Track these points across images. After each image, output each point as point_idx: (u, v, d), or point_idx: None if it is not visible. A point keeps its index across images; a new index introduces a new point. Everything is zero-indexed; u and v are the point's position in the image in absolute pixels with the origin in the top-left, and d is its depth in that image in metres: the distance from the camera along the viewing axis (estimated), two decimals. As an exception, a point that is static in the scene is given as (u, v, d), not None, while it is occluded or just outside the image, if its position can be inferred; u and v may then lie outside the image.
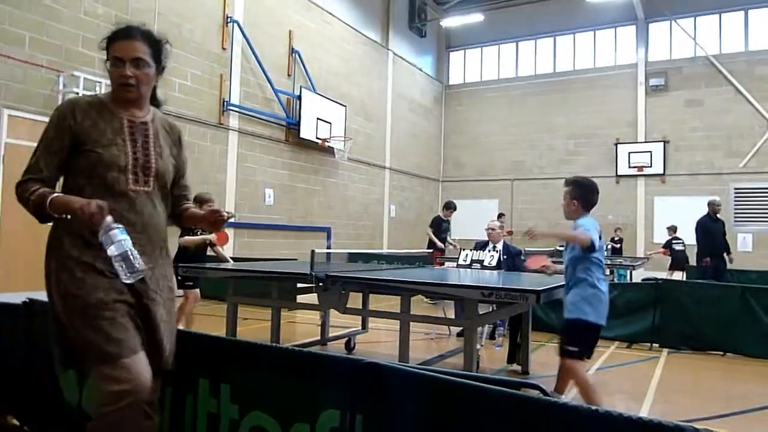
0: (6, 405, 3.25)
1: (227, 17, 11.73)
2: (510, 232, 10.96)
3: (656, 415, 4.25)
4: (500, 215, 15.75)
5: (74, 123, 2.11)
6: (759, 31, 16.66)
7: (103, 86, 9.07)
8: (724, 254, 10.39)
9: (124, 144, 2.15)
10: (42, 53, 8.55)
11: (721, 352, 6.60)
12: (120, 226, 1.96)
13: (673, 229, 13.57)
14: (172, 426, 2.44)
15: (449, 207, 11.56)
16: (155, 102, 2.42)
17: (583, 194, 3.96)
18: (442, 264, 10.57)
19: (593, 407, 1.37)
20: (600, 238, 3.80)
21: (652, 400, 4.73)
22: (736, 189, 16.36)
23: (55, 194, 2.05)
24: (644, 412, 4.38)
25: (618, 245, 15.53)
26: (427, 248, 11.23)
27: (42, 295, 2.31)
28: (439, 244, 11.26)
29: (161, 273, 2.25)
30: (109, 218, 1.93)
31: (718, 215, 10.35)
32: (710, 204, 10.39)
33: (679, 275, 12.61)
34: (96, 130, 2.13)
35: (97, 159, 2.09)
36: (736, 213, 16.30)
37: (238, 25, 11.97)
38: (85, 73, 8.90)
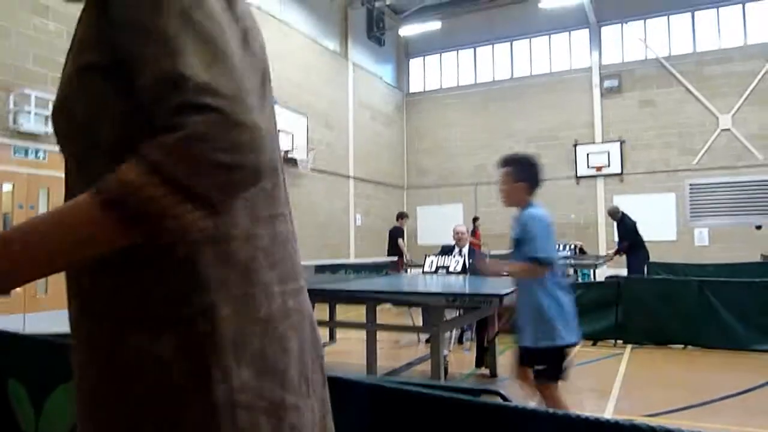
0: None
1: (183, 31, 11.59)
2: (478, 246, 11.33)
3: (622, 411, 4.34)
4: (475, 219, 16.03)
5: None
6: (705, 33, 17.26)
7: (55, 104, 8.86)
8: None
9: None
10: (-10, 72, 8.30)
11: (682, 345, 6.77)
12: None
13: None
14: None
15: (404, 216, 13.03)
16: None
17: (531, 173, 3.31)
18: (407, 271, 10.86)
19: (551, 410, 1.39)
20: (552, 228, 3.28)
21: (618, 395, 4.82)
22: (691, 185, 16.86)
23: None
24: (610, 408, 4.47)
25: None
26: (396, 257, 11.62)
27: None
28: (407, 252, 11.96)
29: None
30: None
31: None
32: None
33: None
34: None
35: None
36: (692, 208, 16.80)
37: (195, 38, 11.83)
38: (37, 90, 8.67)
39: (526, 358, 3.23)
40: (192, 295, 0.84)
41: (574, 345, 3.24)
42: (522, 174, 3.27)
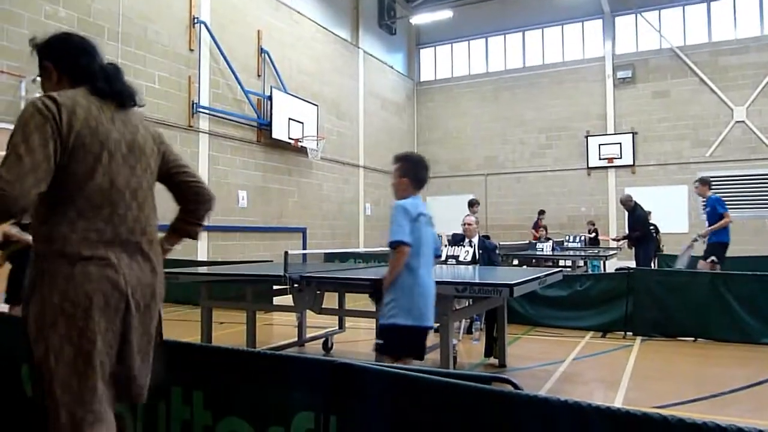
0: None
1: (194, 18, 11.58)
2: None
3: (631, 402, 4.33)
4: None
5: None
6: (721, 22, 17.02)
7: (67, 91, 8.89)
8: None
9: None
10: (2, 59, 8.34)
11: (692, 338, 6.73)
12: None
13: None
14: (144, 435, 2.41)
15: (475, 204, 11.37)
16: None
17: (413, 170, 3.58)
18: None
19: (563, 399, 1.38)
20: (420, 217, 3.45)
21: (627, 387, 4.80)
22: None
23: None
24: (619, 399, 4.46)
25: (593, 235, 15.74)
26: None
27: None
28: None
29: None
30: None
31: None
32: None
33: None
34: None
35: None
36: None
37: (205, 25, 11.83)
38: (49, 78, 8.71)
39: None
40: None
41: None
42: (406, 169, 3.57)
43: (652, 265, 11.47)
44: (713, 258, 8.55)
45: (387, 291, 3.42)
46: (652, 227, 13.67)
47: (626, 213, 11.54)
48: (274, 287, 5.46)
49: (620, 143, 17.73)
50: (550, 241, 12.13)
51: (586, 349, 6.34)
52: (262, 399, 2.08)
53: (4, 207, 1.66)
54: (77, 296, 1.76)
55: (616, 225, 17.58)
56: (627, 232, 11.57)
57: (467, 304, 5.42)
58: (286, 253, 4.85)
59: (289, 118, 13.65)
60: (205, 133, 11.90)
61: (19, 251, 5.42)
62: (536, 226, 15.09)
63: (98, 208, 1.86)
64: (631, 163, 17.62)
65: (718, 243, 8.66)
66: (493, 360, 5.76)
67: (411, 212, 3.40)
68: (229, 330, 7.35)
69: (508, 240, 14.14)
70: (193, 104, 11.47)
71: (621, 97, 18.01)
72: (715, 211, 8.61)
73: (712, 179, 9.47)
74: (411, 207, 3.43)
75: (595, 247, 14.61)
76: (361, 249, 16.11)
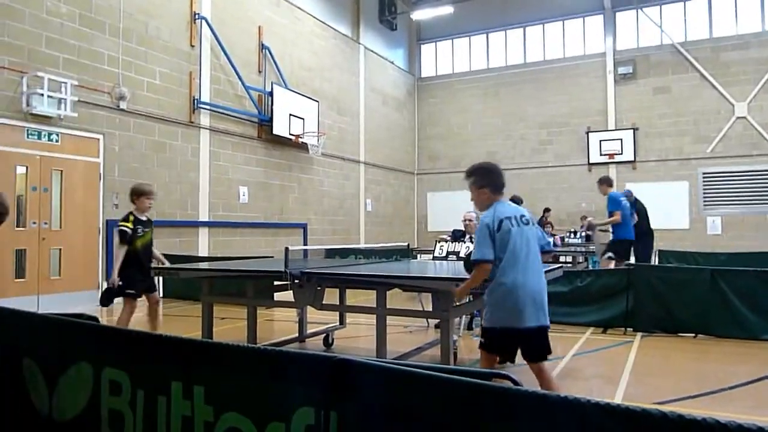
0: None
1: (195, 14, 11.56)
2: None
3: (631, 398, 4.33)
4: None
5: None
6: (722, 18, 16.98)
7: (68, 86, 8.89)
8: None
9: None
10: (3, 54, 8.33)
11: (693, 334, 6.73)
12: None
13: None
14: (144, 431, 2.41)
15: (547, 210, 11.55)
16: None
17: (488, 178, 3.61)
18: None
19: (562, 395, 1.38)
20: (504, 223, 3.44)
21: (627, 383, 4.81)
22: (704, 174, 16.69)
23: None
24: (619, 395, 4.46)
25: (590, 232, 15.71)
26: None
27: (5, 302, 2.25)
28: None
29: None
30: None
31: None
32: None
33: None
34: None
35: None
36: (705, 197, 16.65)
37: (206, 21, 11.81)
38: (50, 73, 8.71)
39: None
40: None
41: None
42: (483, 180, 3.61)
43: (652, 260, 11.49)
44: (610, 254, 8.96)
45: (485, 296, 3.57)
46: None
47: None
48: (275, 283, 5.47)
49: (621, 139, 17.72)
50: (556, 237, 12.19)
51: (587, 345, 6.35)
52: (262, 395, 2.08)
53: None
54: None
55: (616, 221, 17.56)
56: None
57: (468, 300, 5.42)
58: (286, 248, 4.85)
59: (290, 114, 13.64)
60: (206, 129, 11.90)
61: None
62: (542, 223, 15.07)
63: None
64: (632, 159, 17.60)
65: (618, 240, 9.15)
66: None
67: (491, 226, 3.45)
68: (230, 326, 7.36)
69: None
70: (193, 100, 11.46)
71: (622, 93, 17.98)
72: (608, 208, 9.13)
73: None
74: (491, 220, 3.47)
75: (591, 243, 14.61)
76: (362, 245, 16.12)
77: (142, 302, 5.97)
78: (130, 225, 5.66)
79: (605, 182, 9.59)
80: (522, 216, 3.58)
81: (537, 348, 3.50)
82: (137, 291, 5.72)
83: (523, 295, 3.40)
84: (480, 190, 3.59)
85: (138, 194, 5.84)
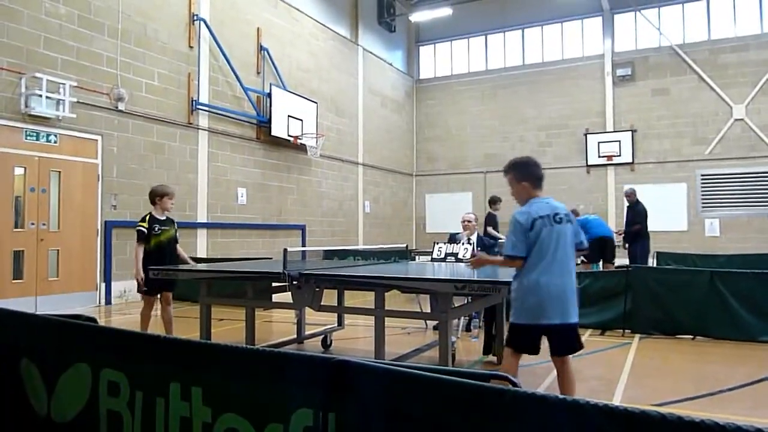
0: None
1: (193, 15, 11.56)
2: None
3: (629, 400, 4.33)
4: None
5: None
6: (721, 20, 17.01)
7: (66, 87, 8.89)
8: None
9: None
10: (2, 55, 8.32)
11: (691, 336, 6.74)
12: None
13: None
14: (143, 432, 2.41)
15: (496, 201, 11.34)
16: None
17: (527, 171, 3.71)
18: None
19: (561, 396, 1.38)
20: (537, 223, 3.53)
21: (625, 384, 4.81)
22: (702, 175, 16.72)
23: None
24: (618, 397, 4.46)
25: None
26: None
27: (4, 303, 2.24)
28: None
29: None
30: None
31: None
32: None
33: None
34: None
35: None
36: (703, 199, 16.67)
37: (205, 23, 11.81)
38: (48, 74, 8.70)
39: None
40: None
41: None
42: (522, 174, 3.70)
43: (649, 262, 11.52)
44: (582, 258, 9.08)
45: (511, 293, 3.62)
46: None
47: (626, 207, 11.64)
48: (274, 284, 5.47)
49: (619, 141, 17.74)
50: None
51: (585, 347, 6.34)
52: (260, 396, 2.08)
53: None
54: None
55: (615, 223, 17.57)
56: (624, 228, 11.59)
57: (466, 301, 5.43)
58: (285, 250, 4.85)
59: (289, 115, 13.64)
60: (205, 130, 11.89)
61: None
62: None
63: None
64: (631, 160, 17.62)
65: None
66: (491, 357, 5.77)
67: (524, 223, 3.52)
68: (228, 327, 7.35)
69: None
70: (192, 101, 11.46)
71: (620, 95, 18.00)
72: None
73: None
74: (524, 217, 3.55)
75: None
76: (360, 246, 16.12)
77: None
78: (145, 225, 5.96)
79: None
80: (556, 214, 3.67)
81: (560, 343, 3.63)
82: (150, 288, 5.98)
83: (545, 292, 3.47)
84: (520, 184, 3.68)
85: (160, 195, 6.11)
